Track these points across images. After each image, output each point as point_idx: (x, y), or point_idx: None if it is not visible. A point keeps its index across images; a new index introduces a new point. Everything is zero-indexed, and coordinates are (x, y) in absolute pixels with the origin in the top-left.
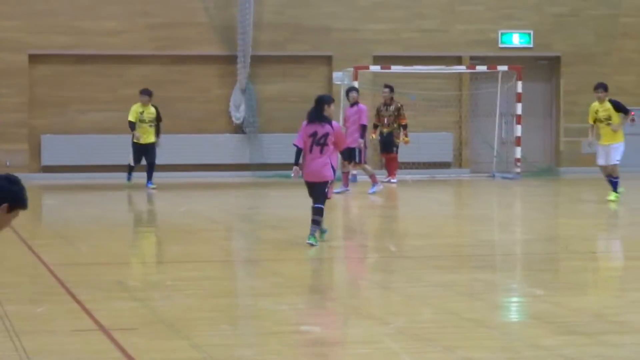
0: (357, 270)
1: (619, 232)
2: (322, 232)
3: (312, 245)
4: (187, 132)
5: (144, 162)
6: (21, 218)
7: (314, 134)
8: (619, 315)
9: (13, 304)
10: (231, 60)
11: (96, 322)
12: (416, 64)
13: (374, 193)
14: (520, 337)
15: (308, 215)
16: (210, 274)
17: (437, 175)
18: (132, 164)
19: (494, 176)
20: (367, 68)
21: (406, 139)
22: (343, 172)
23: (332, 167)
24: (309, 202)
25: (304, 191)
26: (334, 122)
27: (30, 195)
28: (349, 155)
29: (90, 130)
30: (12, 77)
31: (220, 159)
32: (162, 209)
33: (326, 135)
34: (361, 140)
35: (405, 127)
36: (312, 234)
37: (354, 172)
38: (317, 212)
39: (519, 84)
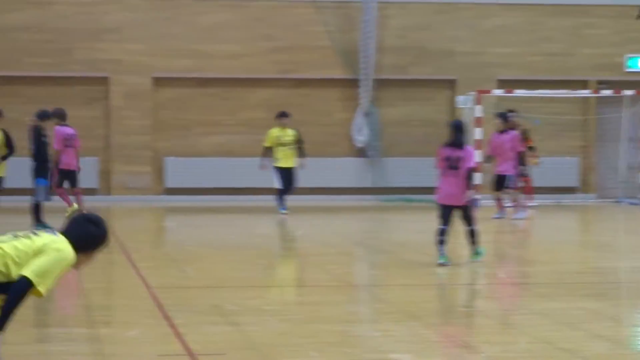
0: (461, 297)
1: None
2: (477, 253)
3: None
4: (308, 155)
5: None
6: (135, 240)
7: (448, 158)
8: None
9: (108, 326)
10: (354, 83)
11: (185, 346)
12: (541, 87)
13: (520, 218)
14: None
15: (425, 239)
16: (312, 299)
17: (563, 200)
18: (280, 187)
19: (620, 202)
20: (490, 92)
21: (536, 161)
22: (496, 199)
23: None
24: (428, 226)
25: (425, 216)
26: (467, 147)
27: (150, 217)
28: (502, 182)
29: (212, 153)
30: (137, 99)
31: (342, 183)
32: (278, 233)
33: (459, 159)
34: (522, 167)
35: (532, 148)
36: (474, 253)
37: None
38: (472, 234)
39: None
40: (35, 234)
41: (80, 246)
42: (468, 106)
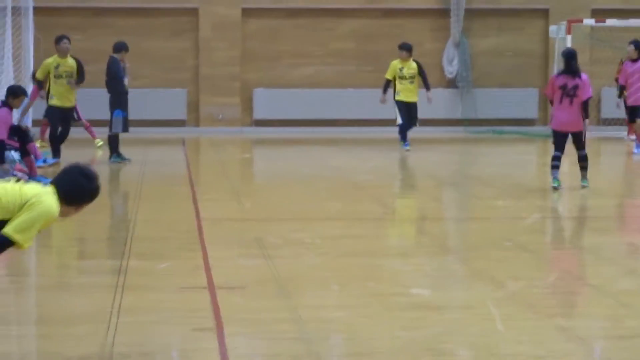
0: (509, 231)
1: None
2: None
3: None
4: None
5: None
6: (206, 173)
7: (564, 86)
8: None
9: (142, 258)
10: (444, 13)
11: (210, 280)
12: (637, 17)
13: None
14: (630, 304)
15: (499, 171)
16: (356, 232)
17: None
18: (400, 121)
19: None
20: (581, 21)
21: None
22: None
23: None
24: (509, 159)
25: (511, 148)
26: (583, 75)
27: (233, 149)
28: (636, 113)
29: (302, 85)
30: (226, 31)
31: (433, 114)
32: (348, 165)
33: (576, 87)
34: None
35: None
36: (584, 178)
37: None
38: (585, 159)
39: None
40: (24, 184)
41: (69, 198)
42: (560, 36)
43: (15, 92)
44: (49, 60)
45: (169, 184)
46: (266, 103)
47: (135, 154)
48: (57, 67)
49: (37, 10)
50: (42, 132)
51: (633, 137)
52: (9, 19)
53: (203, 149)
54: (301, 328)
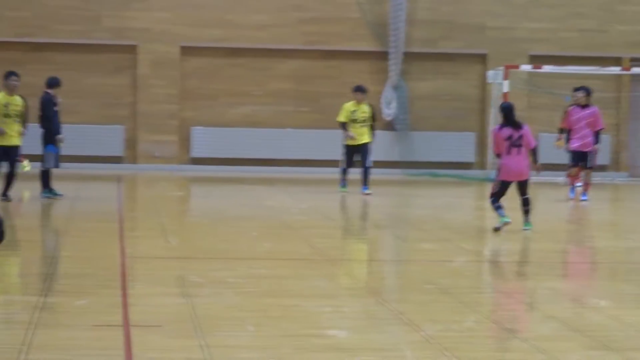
0: (431, 274)
1: None
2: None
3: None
4: (335, 127)
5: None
6: (136, 209)
7: (510, 137)
8: None
9: (60, 295)
10: (383, 56)
11: (125, 317)
12: (573, 64)
13: (585, 200)
14: (546, 350)
15: (430, 214)
16: (280, 272)
17: (593, 179)
18: (344, 167)
19: None
20: (518, 67)
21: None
22: (569, 176)
23: None
24: (443, 201)
25: (447, 190)
26: (524, 125)
27: (168, 186)
28: (581, 159)
29: (239, 124)
30: (164, 68)
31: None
32: (283, 205)
33: (521, 137)
34: (597, 146)
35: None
36: (527, 221)
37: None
38: (529, 202)
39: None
40: None
41: None
42: (497, 81)
43: None
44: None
45: (98, 220)
46: (204, 141)
47: (68, 190)
48: (6, 105)
49: None
50: None
51: (579, 183)
52: None
53: (138, 186)
54: None
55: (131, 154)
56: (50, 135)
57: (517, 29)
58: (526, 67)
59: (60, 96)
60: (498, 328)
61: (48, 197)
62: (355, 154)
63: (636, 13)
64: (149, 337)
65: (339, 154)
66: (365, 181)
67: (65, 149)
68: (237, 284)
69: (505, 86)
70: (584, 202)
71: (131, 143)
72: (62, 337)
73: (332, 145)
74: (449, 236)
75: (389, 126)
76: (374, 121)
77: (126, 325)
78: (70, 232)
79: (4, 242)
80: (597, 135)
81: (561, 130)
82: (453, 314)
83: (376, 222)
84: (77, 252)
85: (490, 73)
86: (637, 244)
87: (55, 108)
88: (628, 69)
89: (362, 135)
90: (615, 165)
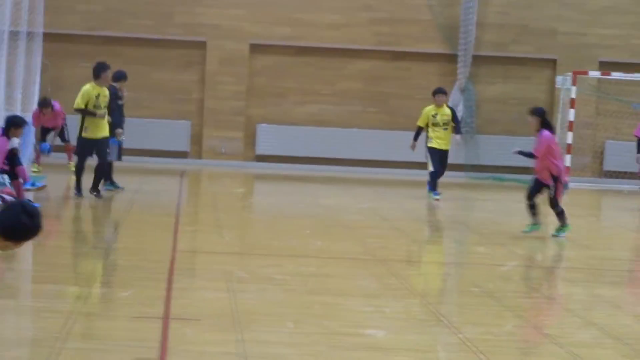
0: (479, 278)
1: None
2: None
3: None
4: (404, 128)
5: None
6: (195, 204)
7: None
8: None
9: (106, 286)
10: (452, 59)
11: (166, 310)
12: None
13: None
14: (581, 356)
15: (489, 217)
16: (328, 270)
17: None
18: (432, 169)
19: None
20: (586, 73)
21: None
22: None
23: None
24: (504, 206)
25: (510, 195)
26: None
27: (232, 182)
28: None
29: (307, 122)
30: (233, 65)
31: None
32: (342, 204)
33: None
34: None
35: None
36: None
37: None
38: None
39: None
40: None
41: (7, 233)
42: (566, 87)
43: (16, 123)
44: (87, 87)
45: (156, 214)
46: (269, 139)
47: (131, 183)
48: (97, 96)
49: (46, 35)
50: (38, 157)
51: None
52: (22, 42)
53: (201, 181)
54: None
55: (197, 149)
56: (113, 128)
57: (587, 34)
58: (595, 74)
59: (129, 90)
60: (537, 333)
61: (110, 190)
62: (439, 158)
63: None
64: (186, 330)
65: (405, 155)
66: (436, 185)
67: (132, 142)
68: (283, 280)
69: (573, 92)
70: None
71: (197, 138)
72: (101, 327)
73: (399, 147)
74: (504, 240)
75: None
76: (457, 123)
77: (166, 317)
78: (127, 225)
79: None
80: None
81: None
82: (494, 318)
83: (433, 224)
84: (130, 244)
85: (559, 78)
86: None
87: (120, 102)
88: None
89: (444, 139)
90: None
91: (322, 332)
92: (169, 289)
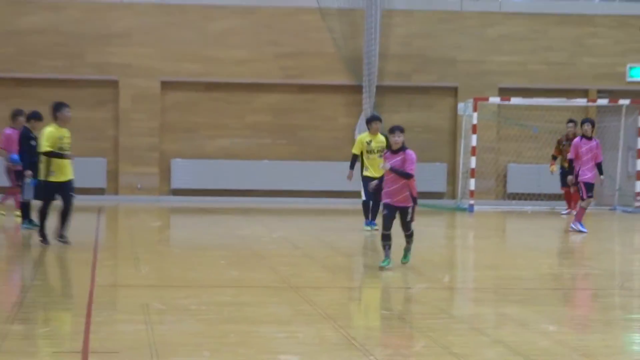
0: (387, 301)
1: None
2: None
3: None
4: (312, 159)
5: None
6: (113, 239)
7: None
8: (609, 355)
9: (25, 323)
10: (357, 89)
11: (85, 344)
12: (542, 96)
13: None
14: None
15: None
16: (243, 299)
17: (558, 207)
18: (364, 199)
19: (615, 209)
20: (487, 100)
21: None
22: (581, 207)
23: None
24: (417, 230)
25: (419, 220)
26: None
27: (147, 216)
28: (587, 188)
29: (218, 156)
30: (145, 102)
31: (343, 186)
32: (255, 234)
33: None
34: (602, 177)
35: None
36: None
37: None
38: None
39: None
40: None
41: None
42: (467, 113)
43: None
44: (51, 129)
45: (74, 250)
46: (183, 173)
47: (49, 221)
48: (60, 138)
49: None
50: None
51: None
52: None
53: (118, 216)
54: None
55: (113, 185)
56: (28, 168)
57: (486, 62)
58: (495, 100)
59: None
60: (445, 352)
61: (28, 228)
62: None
63: (603, 47)
64: None
65: (314, 185)
66: (374, 215)
67: None
68: (199, 311)
69: (475, 118)
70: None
71: (113, 175)
72: None
73: (308, 176)
74: (413, 264)
75: None
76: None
77: (85, 352)
78: (46, 262)
79: None
80: (599, 166)
81: (570, 161)
82: (404, 339)
83: (343, 251)
84: (49, 280)
85: (460, 105)
86: (593, 270)
87: (32, 142)
88: (594, 101)
89: (375, 168)
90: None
91: None
92: (87, 323)
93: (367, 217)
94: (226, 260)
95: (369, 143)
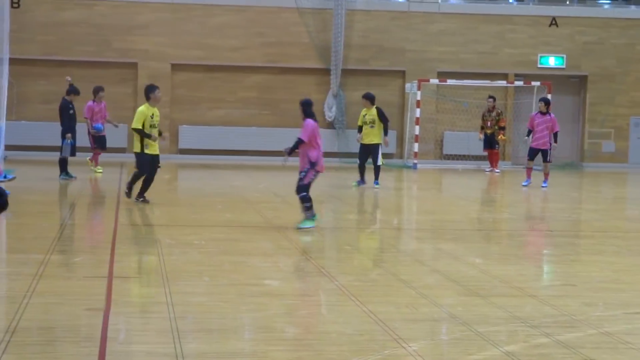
0: (350, 238)
1: (590, 215)
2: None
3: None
4: (290, 126)
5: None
6: (135, 187)
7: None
8: (523, 282)
9: (62, 253)
10: (326, 72)
11: (110, 271)
12: (471, 78)
13: (546, 187)
14: (428, 296)
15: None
16: (236, 236)
17: (483, 165)
18: (359, 162)
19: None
20: (428, 81)
21: (503, 137)
22: (527, 168)
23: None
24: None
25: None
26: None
27: (160, 171)
28: (543, 155)
29: (217, 123)
30: (158, 80)
31: None
32: (245, 185)
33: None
34: (555, 144)
35: (503, 128)
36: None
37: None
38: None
39: (549, 96)
40: None
41: None
42: (413, 92)
43: None
44: (143, 108)
45: (101, 197)
46: (189, 136)
47: (82, 173)
48: (152, 116)
49: (12, 60)
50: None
51: (497, 170)
52: None
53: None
54: (170, 309)
55: (132, 146)
56: (67, 131)
57: (428, 51)
58: (434, 81)
59: (78, 102)
60: (394, 279)
61: (65, 179)
62: (366, 152)
63: (519, 40)
64: (126, 286)
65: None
66: (376, 176)
67: (85, 140)
68: (200, 245)
69: (419, 95)
70: (544, 188)
71: (131, 137)
72: (59, 285)
73: (286, 140)
74: (369, 209)
75: (331, 125)
76: (386, 122)
77: (110, 276)
78: (79, 205)
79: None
80: (555, 135)
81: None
82: (362, 269)
83: (316, 199)
84: (82, 220)
85: (407, 85)
86: (510, 215)
87: (71, 112)
88: (512, 82)
89: (369, 135)
90: (502, 156)
91: (232, 284)
92: (112, 254)
93: (361, 178)
94: (222, 205)
95: (364, 116)
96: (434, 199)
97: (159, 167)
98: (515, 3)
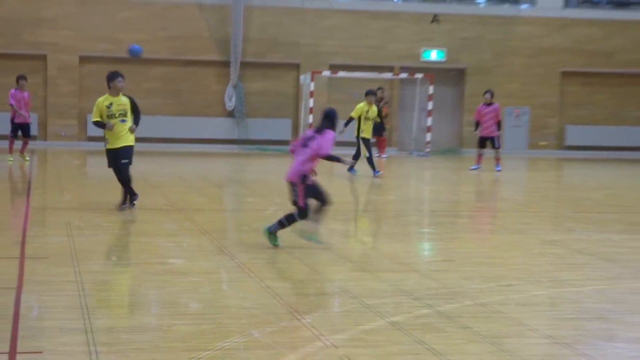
0: (249, 219)
1: (468, 196)
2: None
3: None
4: (193, 115)
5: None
6: (43, 174)
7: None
8: (407, 258)
9: None
10: (226, 64)
11: (22, 252)
12: (360, 70)
13: (500, 170)
14: (321, 272)
15: (251, 177)
16: (141, 218)
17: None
18: (367, 155)
19: (412, 153)
20: (321, 73)
21: (386, 110)
22: (479, 155)
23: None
24: (268, 168)
25: (271, 160)
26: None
27: (69, 157)
28: (488, 142)
29: None
30: (67, 72)
31: (216, 135)
32: (150, 169)
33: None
34: (499, 132)
35: (385, 115)
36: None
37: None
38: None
39: (431, 88)
40: None
41: None
42: (307, 83)
43: None
44: (99, 99)
45: (14, 182)
46: None
47: None
48: (109, 106)
49: None
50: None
51: (384, 155)
52: None
53: (47, 158)
54: (80, 287)
55: (43, 133)
56: None
57: (321, 45)
58: (326, 73)
59: None
60: (289, 256)
61: None
62: (368, 145)
63: (404, 35)
64: (38, 266)
65: (194, 133)
66: (373, 167)
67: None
68: (108, 227)
69: (312, 86)
70: (498, 172)
71: (43, 125)
72: None
73: (189, 128)
74: (267, 193)
75: (230, 114)
76: (383, 118)
77: (22, 257)
78: None
79: None
80: (498, 124)
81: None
82: (259, 247)
83: (216, 183)
84: None
85: (302, 77)
86: (396, 198)
87: None
88: (398, 75)
89: (369, 131)
90: (388, 143)
91: (138, 263)
92: (23, 236)
93: (374, 169)
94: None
95: (366, 112)
96: (326, 184)
97: (125, 161)
98: (400, 1)
